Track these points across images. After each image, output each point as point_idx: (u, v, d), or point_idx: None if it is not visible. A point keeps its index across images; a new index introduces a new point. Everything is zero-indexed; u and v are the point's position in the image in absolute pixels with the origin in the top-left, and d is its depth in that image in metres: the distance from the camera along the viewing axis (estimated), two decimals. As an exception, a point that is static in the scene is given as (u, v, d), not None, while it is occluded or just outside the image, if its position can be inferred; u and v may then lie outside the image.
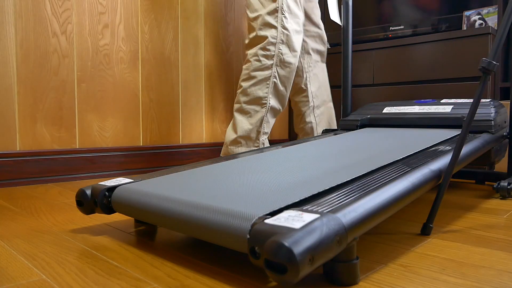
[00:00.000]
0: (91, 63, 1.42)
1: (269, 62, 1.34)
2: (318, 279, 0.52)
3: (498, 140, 1.05)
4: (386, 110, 1.31)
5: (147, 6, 1.55)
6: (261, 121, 1.38)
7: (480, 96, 0.73)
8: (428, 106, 1.22)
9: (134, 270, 0.56)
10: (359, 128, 1.30)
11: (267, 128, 1.40)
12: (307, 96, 1.60)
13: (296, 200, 0.55)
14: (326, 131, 1.40)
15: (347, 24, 1.43)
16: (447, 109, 1.17)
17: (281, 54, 1.35)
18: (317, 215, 0.48)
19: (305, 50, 1.60)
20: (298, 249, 0.41)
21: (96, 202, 0.73)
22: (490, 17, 1.61)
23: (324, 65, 1.67)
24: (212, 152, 1.78)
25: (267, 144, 1.43)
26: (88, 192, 0.75)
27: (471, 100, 1.22)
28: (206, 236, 0.54)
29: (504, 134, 1.09)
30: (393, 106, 1.32)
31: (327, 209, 0.51)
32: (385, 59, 1.69)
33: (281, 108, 1.42)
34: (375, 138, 1.04)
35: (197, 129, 1.74)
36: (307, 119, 1.61)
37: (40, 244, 0.68)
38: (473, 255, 0.62)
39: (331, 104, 1.67)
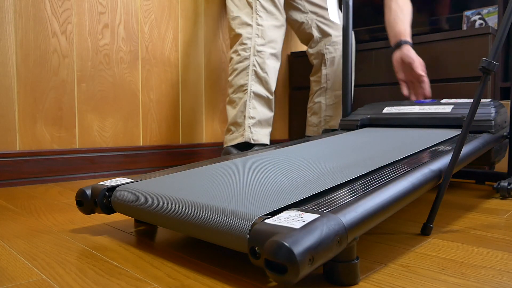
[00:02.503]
0: (91, 63, 1.42)
1: (247, 54, 1.44)
2: (318, 279, 0.52)
3: (498, 140, 1.05)
4: (386, 110, 1.31)
5: (147, 6, 1.55)
6: (245, 105, 1.43)
7: (480, 96, 0.73)
8: (428, 106, 1.22)
9: (134, 270, 0.56)
10: (359, 128, 1.30)
11: (254, 113, 1.43)
12: (320, 77, 1.68)
13: (296, 200, 0.55)
14: (326, 131, 1.39)
15: (347, 24, 1.43)
16: (447, 109, 1.17)
17: (257, 45, 1.44)
18: (317, 215, 0.48)
19: (323, 34, 1.66)
20: (298, 249, 0.41)
21: (96, 202, 0.73)
22: (490, 17, 1.61)
23: None
24: (212, 152, 1.78)
25: (256, 131, 1.43)
26: (88, 192, 0.75)
27: (471, 100, 1.22)
28: (206, 236, 0.54)
29: (504, 134, 1.09)
30: (393, 106, 1.32)
31: (327, 209, 0.51)
32: (385, 59, 1.69)
33: (268, 94, 1.45)
34: (375, 138, 1.04)
35: (197, 129, 1.74)
36: (316, 99, 1.69)
37: (40, 244, 0.68)
38: (473, 255, 0.62)
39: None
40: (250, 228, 0.48)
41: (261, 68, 1.43)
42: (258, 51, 1.43)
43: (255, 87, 1.43)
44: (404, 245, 0.67)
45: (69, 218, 0.86)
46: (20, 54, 1.27)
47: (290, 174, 0.70)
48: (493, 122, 1.04)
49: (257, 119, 1.43)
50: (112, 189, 0.74)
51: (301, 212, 0.50)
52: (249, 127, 1.42)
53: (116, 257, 0.61)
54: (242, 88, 1.44)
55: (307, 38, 1.71)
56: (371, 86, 1.75)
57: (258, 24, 1.45)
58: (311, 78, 1.73)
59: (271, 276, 0.43)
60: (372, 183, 0.62)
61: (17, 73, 1.26)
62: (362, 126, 1.31)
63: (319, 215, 0.48)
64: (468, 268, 0.57)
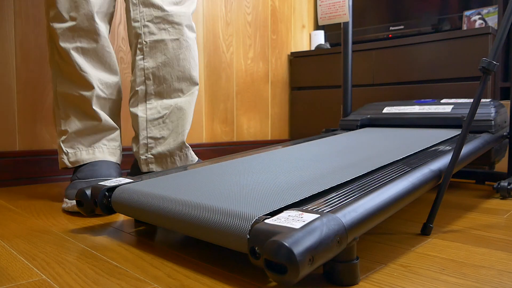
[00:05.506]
0: (91, 63, 1.42)
1: None
2: (318, 279, 0.52)
3: (498, 140, 1.05)
4: (386, 110, 1.31)
5: (147, 6, 1.55)
6: None
7: (480, 96, 0.73)
8: (428, 106, 1.22)
9: (134, 270, 0.56)
10: (359, 128, 1.30)
11: None
12: (135, 74, 1.05)
13: (296, 200, 0.56)
14: (327, 131, 1.39)
15: (347, 24, 1.43)
16: (447, 109, 1.17)
17: None
18: (317, 215, 0.48)
19: (145, 3, 1.03)
20: (298, 249, 0.41)
21: (96, 202, 0.73)
22: (490, 17, 1.61)
23: (185, 36, 1.06)
24: (212, 152, 1.78)
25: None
26: (88, 192, 0.75)
27: (471, 100, 1.22)
28: (206, 236, 0.54)
29: (504, 134, 1.09)
30: (393, 106, 1.32)
31: (327, 209, 0.51)
32: (385, 59, 1.69)
33: None
34: (375, 138, 1.04)
35: (197, 129, 1.73)
36: (131, 109, 1.06)
37: (40, 244, 0.68)
38: (473, 255, 0.62)
39: (187, 98, 1.10)
40: (250, 228, 0.48)
41: None
42: None
43: None
44: (404, 245, 0.67)
45: (69, 218, 0.86)
46: (20, 54, 1.27)
47: (290, 174, 0.70)
48: (493, 122, 1.04)
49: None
50: (112, 189, 0.74)
51: (301, 212, 0.50)
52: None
53: (116, 257, 0.61)
54: None
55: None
56: (371, 86, 1.75)
57: None
58: (131, 79, 1.07)
59: (271, 276, 0.43)
60: (372, 183, 0.62)
61: (17, 73, 1.26)
62: (362, 126, 1.31)
63: (319, 215, 0.48)
64: (468, 268, 0.57)
